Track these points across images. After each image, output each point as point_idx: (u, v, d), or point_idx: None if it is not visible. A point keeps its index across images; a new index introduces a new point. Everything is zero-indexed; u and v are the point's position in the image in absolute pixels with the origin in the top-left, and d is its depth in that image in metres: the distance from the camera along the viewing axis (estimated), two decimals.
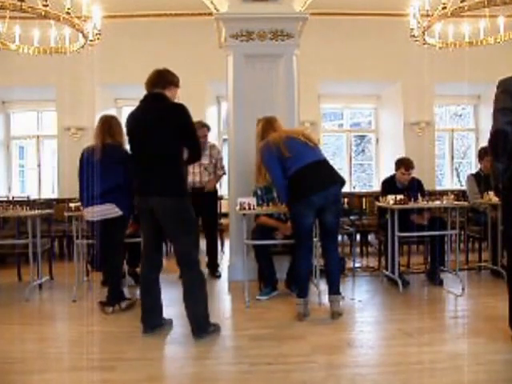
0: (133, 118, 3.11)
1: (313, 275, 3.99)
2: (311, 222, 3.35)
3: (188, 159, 3.04)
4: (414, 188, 4.37)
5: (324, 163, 3.36)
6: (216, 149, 5.04)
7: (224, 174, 5.08)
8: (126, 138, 3.80)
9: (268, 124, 3.65)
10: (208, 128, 4.96)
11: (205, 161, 4.87)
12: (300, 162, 3.26)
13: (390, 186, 4.54)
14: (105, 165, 3.55)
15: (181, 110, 2.98)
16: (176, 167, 2.95)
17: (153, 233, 3.07)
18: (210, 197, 4.94)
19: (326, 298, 3.74)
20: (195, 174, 4.85)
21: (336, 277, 3.46)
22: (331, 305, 3.41)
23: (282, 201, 3.55)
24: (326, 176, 3.30)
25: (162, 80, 3.07)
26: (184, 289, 3.01)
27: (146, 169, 2.99)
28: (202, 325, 3.01)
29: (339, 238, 6.03)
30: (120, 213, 3.59)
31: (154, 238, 3.10)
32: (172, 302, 4.05)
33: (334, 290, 3.42)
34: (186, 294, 3.00)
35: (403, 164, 4.48)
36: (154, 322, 3.14)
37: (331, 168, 3.39)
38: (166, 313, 3.74)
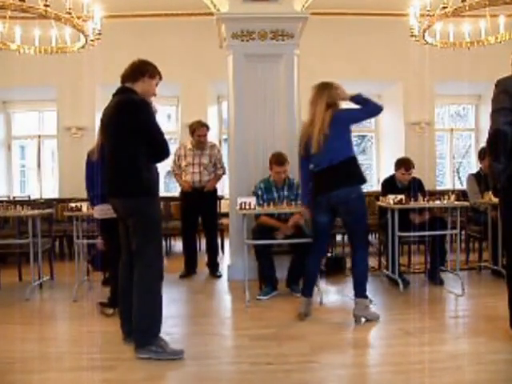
0: (102, 113, 2.94)
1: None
2: (324, 221, 3.33)
3: (151, 159, 2.77)
4: (415, 188, 4.37)
5: (336, 167, 3.25)
6: (216, 148, 5.03)
7: (224, 173, 5.08)
8: None
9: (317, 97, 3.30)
10: (207, 127, 4.96)
11: (205, 160, 4.87)
12: (315, 165, 3.31)
13: (390, 185, 4.53)
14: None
15: (131, 106, 2.72)
16: (133, 166, 2.70)
17: (124, 234, 2.86)
18: (210, 196, 4.94)
19: (328, 298, 3.75)
20: (195, 174, 4.85)
21: (358, 279, 3.28)
22: (355, 308, 3.26)
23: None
24: (331, 180, 3.24)
25: (132, 72, 2.83)
26: (134, 294, 2.72)
27: (107, 168, 2.84)
28: (142, 334, 2.68)
29: (339, 237, 6.09)
30: None
31: (125, 240, 2.86)
32: (172, 302, 4.06)
33: (356, 293, 3.28)
34: (136, 301, 2.71)
35: (403, 164, 4.48)
36: (130, 328, 2.79)
37: (341, 172, 3.26)
38: (166, 312, 3.74)
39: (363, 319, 3.24)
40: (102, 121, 2.92)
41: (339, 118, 3.27)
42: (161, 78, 2.92)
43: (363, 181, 3.36)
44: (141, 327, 2.67)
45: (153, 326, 2.69)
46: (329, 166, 3.24)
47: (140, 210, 2.72)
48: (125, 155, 2.72)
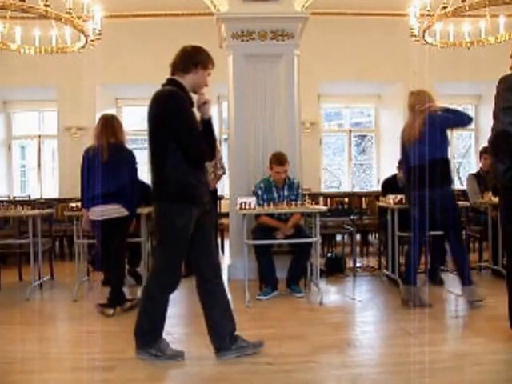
0: None
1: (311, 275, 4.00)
2: (413, 214, 3.50)
3: (187, 160, 2.50)
4: None
5: (427, 167, 3.34)
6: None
7: (224, 173, 5.08)
8: (127, 138, 3.83)
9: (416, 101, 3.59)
10: None
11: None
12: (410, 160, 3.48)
13: (391, 185, 4.54)
14: (110, 165, 3.54)
15: (160, 98, 2.48)
16: (161, 168, 2.50)
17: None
18: (210, 197, 4.94)
19: (328, 298, 3.76)
20: None
21: (462, 268, 3.53)
22: (465, 296, 3.53)
23: None
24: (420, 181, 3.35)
25: (183, 62, 2.54)
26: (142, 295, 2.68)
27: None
28: (138, 341, 2.62)
29: (339, 237, 6.09)
30: (125, 213, 3.59)
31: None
32: (172, 302, 4.05)
33: (462, 282, 3.54)
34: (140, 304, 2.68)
35: None
36: (219, 344, 2.65)
37: (431, 172, 3.33)
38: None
39: (474, 302, 3.45)
40: None
41: (434, 120, 3.44)
42: (213, 66, 2.62)
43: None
44: (141, 330, 2.62)
45: (152, 331, 2.62)
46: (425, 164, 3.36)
47: (161, 216, 2.55)
48: (155, 155, 2.53)
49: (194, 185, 2.53)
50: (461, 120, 3.57)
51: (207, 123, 2.61)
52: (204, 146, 2.54)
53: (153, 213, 2.65)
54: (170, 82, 2.55)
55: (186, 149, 2.47)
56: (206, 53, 2.59)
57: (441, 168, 3.39)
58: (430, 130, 3.38)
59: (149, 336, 2.61)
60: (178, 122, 2.45)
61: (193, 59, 2.54)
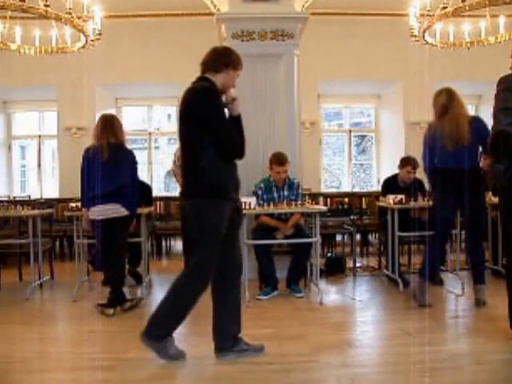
0: None
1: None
2: (446, 214, 3.53)
3: (220, 154, 2.50)
4: (415, 188, 4.38)
5: (468, 171, 3.39)
6: None
7: None
8: (127, 137, 3.83)
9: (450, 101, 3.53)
10: None
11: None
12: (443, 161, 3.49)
13: (391, 185, 4.54)
14: (110, 164, 3.54)
15: (195, 94, 2.50)
16: (195, 163, 2.49)
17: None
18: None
19: (328, 298, 3.75)
20: None
21: (479, 267, 3.58)
22: (475, 293, 3.54)
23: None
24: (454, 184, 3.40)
25: (214, 62, 2.57)
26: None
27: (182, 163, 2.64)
28: (154, 327, 2.55)
29: (339, 237, 6.10)
30: (125, 213, 3.59)
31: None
32: None
33: (477, 280, 3.55)
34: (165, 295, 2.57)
35: (410, 162, 4.51)
36: (221, 344, 2.65)
37: (463, 177, 3.37)
38: None
39: (484, 303, 3.47)
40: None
41: (478, 128, 3.44)
42: (242, 68, 2.67)
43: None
44: (155, 320, 2.55)
45: (165, 326, 2.55)
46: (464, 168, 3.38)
47: (196, 213, 2.51)
48: (188, 151, 2.52)
49: (226, 181, 2.55)
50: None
51: (237, 120, 2.62)
52: (239, 142, 2.56)
53: (185, 209, 2.60)
54: (202, 79, 2.59)
55: (222, 144, 2.50)
56: (236, 55, 2.64)
57: (478, 173, 3.50)
58: (476, 136, 3.41)
59: (160, 330, 2.55)
60: (216, 118, 2.48)
61: (224, 60, 2.59)
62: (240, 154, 2.58)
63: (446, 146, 3.45)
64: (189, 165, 2.54)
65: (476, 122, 3.52)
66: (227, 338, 2.62)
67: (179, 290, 2.55)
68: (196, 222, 2.52)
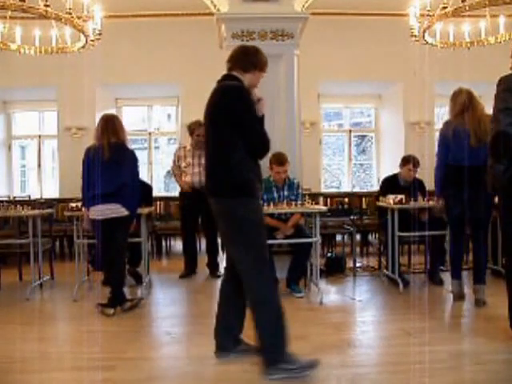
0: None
1: (311, 275, 4.00)
2: (457, 212, 3.59)
3: (250, 153, 2.49)
4: (415, 188, 4.39)
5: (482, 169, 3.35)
6: None
7: None
8: (128, 137, 3.83)
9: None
10: None
11: (204, 161, 4.87)
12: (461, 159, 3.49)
13: (391, 184, 4.55)
14: (111, 164, 3.54)
15: (228, 92, 2.48)
16: (228, 161, 2.45)
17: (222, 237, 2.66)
18: None
19: (328, 298, 3.75)
20: (195, 175, 4.85)
21: (481, 267, 3.59)
22: (475, 293, 3.53)
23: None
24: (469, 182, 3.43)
25: (244, 62, 2.57)
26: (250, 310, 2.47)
27: (206, 164, 2.63)
28: (266, 352, 2.38)
29: (339, 237, 6.09)
30: (125, 213, 3.58)
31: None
32: (172, 302, 4.07)
33: (478, 279, 3.55)
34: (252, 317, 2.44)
35: (411, 160, 4.53)
36: (222, 342, 2.62)
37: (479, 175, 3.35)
38: (166, 312, 3.74)
39: (484, 303, 3.46)
40: (204, 112, 2.65)
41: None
42: (266, 70, 2.71)
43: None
44: (265, 344, 2.38)
45: (277, 340, 2.39)
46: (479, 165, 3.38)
47: (235, 212, 2.43)
48: (220, 150, 2.48)
49: (257, 179, 2.54)
50: None
51: (261, 120, 2.62)
52: (268, 140, 2.55)
53: (218, 209, 2.50)
54: (231, 77, 2.57)
55: (253, 142, 2.50)
56: (264, 56, 2.66)
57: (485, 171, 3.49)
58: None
59: (275, 348, 2.38)
60: (249, 116, 2.48)
61: (253, 60, 2.60)
62: (267, 152, 2.62)
63: (471, 144, 3.47)
64: (221, 164, 2.48)
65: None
66: (230, 338, 2.61)
67: (267, 299, 2.43)
68: (238, 223, 2.44)
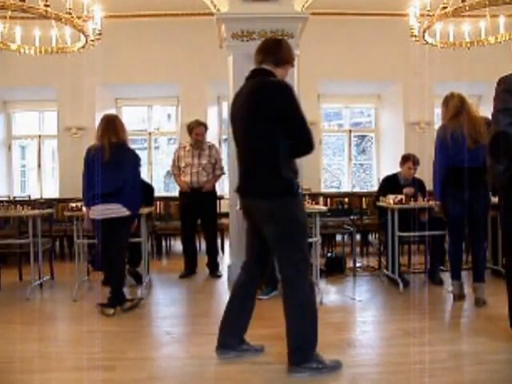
0: (232, 102, 2.63)
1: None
2: (457, 213, 3.60)
3: (293, 151, 2.44)
4: (416, 187, 4.39)
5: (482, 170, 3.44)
6: (214, 148, 5.03)
7: (223, 174, 5.08)
8: (129, 138, 3.84)
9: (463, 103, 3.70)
10: (205, 126, 4.97)
11: (203, 161, 4.88)
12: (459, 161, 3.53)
13: (391, 183, 4.55)
14: (112, 164, 3.54)
15: (276, 88, 2.39)
16: (273, 161, 2.38)
17: (251, 239, 2.63)
18: (209, 197, 4.93)
19: (328, 298, 3.74)
20: (193, 174, 4.85)
21: (480, 265, 3.62)
22: (474, 291, 3.56)
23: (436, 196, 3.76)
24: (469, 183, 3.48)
25: (277, 56, 2.51)
26: (285, 308, 2.44)
27: (241, 165, 2.54)
28: (301, 353, 2.40)
29: (339, 237, 6.09)
30: (126, 213, 3.58)
31: (251, 246, 2.65)
32: (172, 302, 4.07)
33: (477, 278, 3.57)
34: (288, 315, 2.43)
35: (410, 158, 4.56)
36: (226, 341, 2.61)
37: (478, 175, 3.46)
38: (166, 312, 3.74)
39: (484, 302, 3.48)
40: (233, 109, 2.57)
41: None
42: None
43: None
44: (296, 344, 2.39)
45: (309, 342, 2.40)
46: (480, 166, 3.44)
47: (281, 212, 2.38)
48: (266, 148, 2.39)
49: (296, 178, 2.48)
50: None
51: None
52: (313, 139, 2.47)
53: (264, 210, 2.41)
54: (265, 72, 2.50)
55: (304, 141, 2.43)
56: (293, 52, 2.62)
57: (484, 171, 3.51)
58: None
59: (306, 348, 2.40)
60: (300, 114, 2.41)
61: (286, 56, 2.55)
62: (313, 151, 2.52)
63: (468, 145, 3.52)
64: (267, 164, 2.39)
65: (490, 123, 3.59)
66: (235, 336, 2.62)
67: (305, 301, 2.42)
68: (287, 223, 2.40)
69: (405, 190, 4.38)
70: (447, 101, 3.76)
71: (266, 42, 2.63)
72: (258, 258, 2.64)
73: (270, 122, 2.37)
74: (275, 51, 2.53)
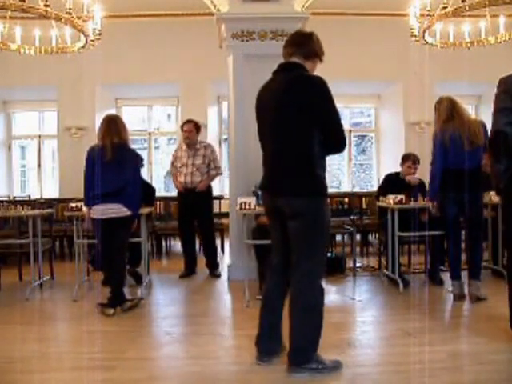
0: (258, 96, 2.54)
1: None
2: (453, 213, 3.68)
3: (325, 148, 2.39)
4: (416, 187, 4.39)
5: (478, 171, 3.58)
6: (210, 148, 4.98)
7: (219, 174, 5.06)
8: (130, 138, 3.84)
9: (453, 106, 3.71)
10: (195, 124, 4.91)
11: (197, 161, 4.85)
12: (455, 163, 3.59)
13: (393, 182, 4.55)
14: (113, 164, 3.53)
15: (315, 83, 2.31)
16: (305, 159, 2.34)
17: (281, 239, 2.54)
18: (203, 197, 4.89)
19: (328, 298, 3.74)
20: (187, 175, 4.84)
21: (476, 264, 3.67)
22: (469, 287, 3.63)
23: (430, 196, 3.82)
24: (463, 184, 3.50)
25: (308, 49, 2.46)
26: (293, 307, 2.42)
27: (268, 161, 2.46)
28: (302, 354, 2.39)
29: (339, 237, 6.09)
30: (127, 213, 3.58)
31: (280, 242, 2.57)
32: (172, 302, 4.07)
33: (473, 275, 3.63)
34: (294, 315, 2.41)
35: (410, 157, 4.57)
36: (271, 347, 2.56)
37: (474, 177, 3.53)
38: (166, 312, 3.74)
39: (477, 298, 3.55)
40: (260, 104, 2.49)
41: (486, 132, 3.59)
42: None
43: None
44: (299, 345, 2.38)
45: (312, 343, 2.40)
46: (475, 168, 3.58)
47: (312, 211, 2.35)
48: (296, 145, 2.33)
49: (324, 177, 2.46)
50: None
51: None
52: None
53: (294, 208, 2.36)
54: (296, 65, 2.45)
55: (338, 138, 2.38)
56: (322, 47, 2.59)
57: (479, 172, 3.63)
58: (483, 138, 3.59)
59: (308, 350, 2.39)
60: (334, 110, 2.35)
61: (316, 49, 2.51)
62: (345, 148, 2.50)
63: (463, 147, 3.57)
64: (300, 161, 2.34)
65: (485, 125, 3.66)
66: (278, 342, 2.56)
67: (314, 301, 2.42)
68: (312, 222, 2.35)
69: (407, 178, 4.48)
70: (438, 105, 3.81)
71: (296, 34, 2.56)
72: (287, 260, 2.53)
73: (306, 117, 2.30)
74: (306, 44, 2.47)
